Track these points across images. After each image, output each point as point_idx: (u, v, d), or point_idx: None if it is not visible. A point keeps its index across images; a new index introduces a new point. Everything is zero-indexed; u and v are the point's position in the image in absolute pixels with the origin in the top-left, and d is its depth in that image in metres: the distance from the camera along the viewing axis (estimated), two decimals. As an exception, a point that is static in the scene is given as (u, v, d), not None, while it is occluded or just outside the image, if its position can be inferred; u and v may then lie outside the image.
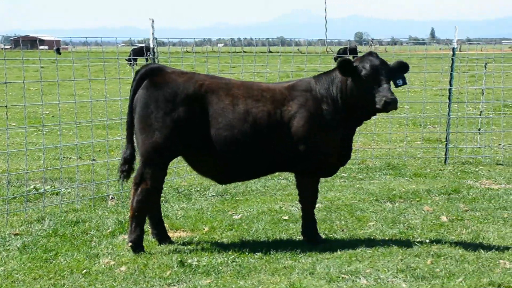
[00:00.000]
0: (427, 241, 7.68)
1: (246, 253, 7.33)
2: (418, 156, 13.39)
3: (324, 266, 6.86)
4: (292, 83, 7.61)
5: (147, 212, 7.54)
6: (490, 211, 9.12)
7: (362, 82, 7.25)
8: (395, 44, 35.77)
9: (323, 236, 7.96)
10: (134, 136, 7.46)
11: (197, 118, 7.23)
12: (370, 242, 7.68)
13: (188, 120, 7.21)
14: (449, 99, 13.27)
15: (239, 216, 8.95)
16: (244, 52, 17.58)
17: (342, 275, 6.60)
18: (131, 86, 7.42)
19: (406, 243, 7.58)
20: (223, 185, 9.76)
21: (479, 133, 14.12)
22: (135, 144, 7.50)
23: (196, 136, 7.25)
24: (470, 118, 16.02)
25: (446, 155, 13.00)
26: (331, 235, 8.05)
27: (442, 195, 10.12)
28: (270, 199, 9.94)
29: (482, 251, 7.23)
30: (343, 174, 11.78)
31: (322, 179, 8.76)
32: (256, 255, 7.29)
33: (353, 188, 10.70)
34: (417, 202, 9.71)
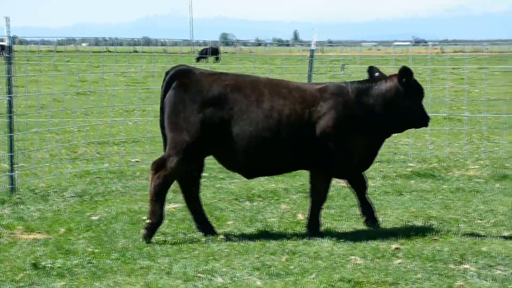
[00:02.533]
0: (283, 238, 7.84)
1: (103, 254, 7.25)
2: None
3: (181, 266, 6.88)
4: (324, 85, 7.91)
5: (163, 198, 7.76)
6: (344, 208, 9.41)
7: (410, 96, 7.85)
8: (259, 45, 36.27)
9: (181, 236, 7.99)
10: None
11: (224, 116, 7.57)
12: (228, 241, 7.77)
13: (215, 119, 7.56)
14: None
15: (98, 217, 8.83)
16: (109, 51, 17.35)
17: (199, 274, 6.64)
18: (161, 87, 7.75)
19: (262, 241, 7.71)
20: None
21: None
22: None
23: (223, 134, 7.60)
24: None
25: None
26: (190, 235, 8.08)
27: (299, 193, 10.35)
28: (130, 200, 9.87)
29: (335, 248, 7.45)
30: (204, 174, 11.83)
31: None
32: (113, 256, 7.22)
33: (214, 187, 10.77)
34: (275, 201, 9.89)
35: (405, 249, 7.37)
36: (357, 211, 9.20)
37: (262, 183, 11.01)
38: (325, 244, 7.58)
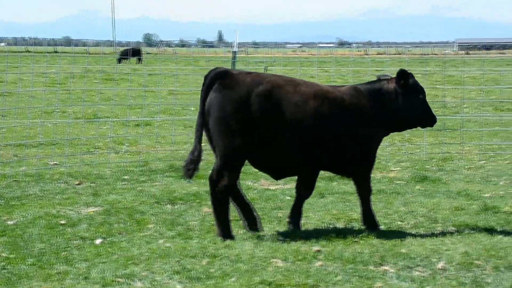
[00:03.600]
0: (204, 242, 7.75)
1: (18, 260, 7.04)
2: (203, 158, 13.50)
3: (99, 271, 6.71)
4: (344, 88, 8.20)
5: (228, 206, 7.83)
6: (266, 210, 9.37)
7: (412, 97, 8.21)
8: (183, 46, 36.08)
9: (100, 240, 7.83)
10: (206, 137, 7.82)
11: (270, 115, 7.63)
12: (148, 245, 7.64)
13: (262, 117, 7.59)
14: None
15: (13, 222, 8.59)
16: (28, 51, 16.94)
17: (117, 279, 6.50)
18: (202, 91, 7.70)
19: (183, 245, 7.60)
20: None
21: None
22: (210, 145, 7.91)
23: (269, 133, 7.65)
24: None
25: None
26: (109, 239, 7.91)
27: (222, 196, 10.25)
28: (48, 204, 9.62)
29: (257, 250, 7.40)
30: (125, 177, 11.67)
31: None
32: (28, 261, 7.02)
33: (135, 190, 10.61)
34: (197, 203, 9.79)
35: (326, 251, 7.36)
36: (279, 213, 9.20)
37: (184, 186, 10.91)
38: (247, 247, 7.51)
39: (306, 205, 9.69)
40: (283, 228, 8.42)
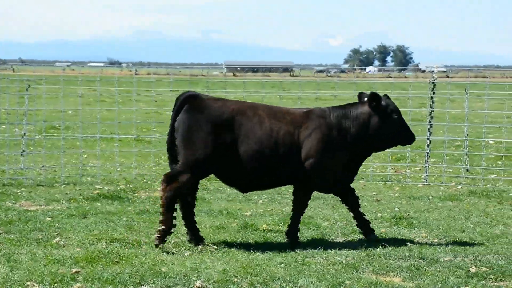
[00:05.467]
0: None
1: None
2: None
3: None
4: (310, 109, 8.86)
5: (173, 209, 8.46)
6: (25, 232, 9.05)
7: (386, 117, 8.74)
8: None
9: None
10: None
11: (231, 137, 8.40)
12: None
13: (224, 140, 8.37)
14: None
15: None
16: None
17: None
18: (173, 112, 8.52)
19: None
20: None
21: (22, 154, 14.03)
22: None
23: (230, 152, 8.40)
24: (16, 139, 15.56)
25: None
26: None
27: None
28: None
29: (12, 274, 7.11)
30: None
31: None
32: None
33: None
34: None
35: (85, 272, 7.23)
36: (39, 235, 8.93)
37: None
38: (1, 270, 7.21)
39: (67, 226, 9.52)
40: (41, 249, 8.16)
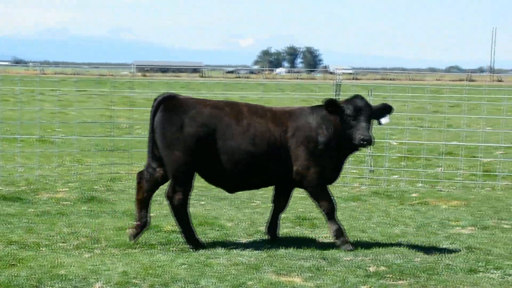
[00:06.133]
0: None
1: None
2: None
3: None
4: (293, 108, 8.89)
5: (187, 216, 8.59)
6: None
7: (345, 120, 8.56)
8: None
9: None
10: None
11: (210, 134, 8.41)
12: None
13: (202, 137, 8.39)
14: None
15: None
16: None
17: None
18: (151, 112, 8.57)
19: None
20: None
21: None
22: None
23: (210, 150, 8.42)
24: None
25: None
26: None
27: None
28: None
29: None
30: None
31: None
32: None
33: None
34: None
35: (-22, 276, 7.02)
36: None
37: None
38: None
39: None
40: None
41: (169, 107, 8.53)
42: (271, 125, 8.62)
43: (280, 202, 9.17)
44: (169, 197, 8.53)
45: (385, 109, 8.93)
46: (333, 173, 8.90)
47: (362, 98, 8.75)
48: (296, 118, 8.74)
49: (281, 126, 8.64)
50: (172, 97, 8.67)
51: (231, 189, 8.94)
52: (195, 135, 8.39)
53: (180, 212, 8.55)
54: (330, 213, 8.81)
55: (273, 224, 9.21)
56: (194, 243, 8.58)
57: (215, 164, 8.50)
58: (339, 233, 8.78)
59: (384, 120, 8.93)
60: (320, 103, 8.84)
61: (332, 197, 8.85)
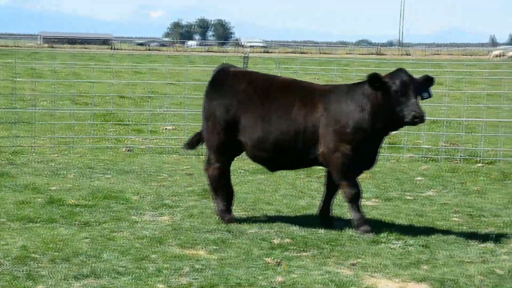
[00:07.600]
0: None
1: None
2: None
3: None
4: (330, 87, 8.47)
5: (222, 188, 8.65)
6: None
7: (392, 97, 7.89)
8: None
9: None
10: None
11: (247, 112, 8.30)
12: None
13: (239, 114, 8.33)
14: None
15: None
16: None
17: None
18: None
19: None
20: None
21: None
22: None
23: (247, 128, 8.32)
24: None
25: None
26: None
27: None
28: None
29: None
30: None
31: None
32: None
33: None
34: None
35: None
36: None
37: None
38: None
39: None
40: None
41: (212, 80, 8.64)
42: (301, 104, 8.27)
43: (332, 185, 8.62)
44: (206, 168, 8.74)
45: (428, 81, 8.23)
46: (366, 159, 8.38)
47: (406, 71, 8.13)
48: (329, 97, 8.28)
49: (312, 105, 8.25)
50: (223, 69, 8.74)
51: (269, 167, 8.75)
52: (225, 108, 8.40)
53: (213, 184, 8.68)
54: (353, 201, 8.32)
55: (325, 209, 8.75)
56: (225, 216, 8.63)
57: (246, 140, 8.42)
58: (361, 222, 8.31)
59: (426, 94, 8.22)
60: (359, 80, 8.50)
61: (358, 185, 8.37)
